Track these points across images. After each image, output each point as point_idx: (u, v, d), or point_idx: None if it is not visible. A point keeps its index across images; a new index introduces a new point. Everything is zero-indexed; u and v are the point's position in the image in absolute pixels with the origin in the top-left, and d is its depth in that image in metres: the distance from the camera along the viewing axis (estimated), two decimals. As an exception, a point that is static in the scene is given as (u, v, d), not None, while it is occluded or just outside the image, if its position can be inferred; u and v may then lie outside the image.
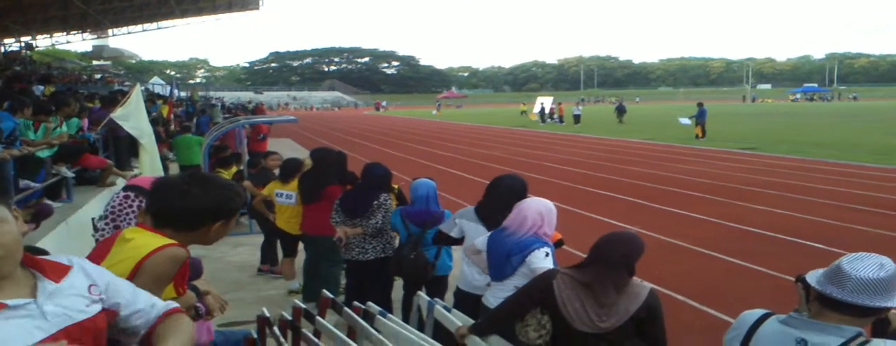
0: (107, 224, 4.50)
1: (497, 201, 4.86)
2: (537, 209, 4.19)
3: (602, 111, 61.18)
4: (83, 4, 28.23)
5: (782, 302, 2.63)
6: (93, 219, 7.85)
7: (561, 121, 45.39)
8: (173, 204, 2.48)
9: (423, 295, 4.80)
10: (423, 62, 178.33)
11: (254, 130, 16.69)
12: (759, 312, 2.63)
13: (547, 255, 4.08)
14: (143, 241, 2.40)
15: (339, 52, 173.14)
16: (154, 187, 2.65)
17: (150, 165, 9.26)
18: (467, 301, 4.85)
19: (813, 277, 2.45)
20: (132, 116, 9.42)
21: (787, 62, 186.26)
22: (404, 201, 6.80)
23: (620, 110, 45.57)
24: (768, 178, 16.24)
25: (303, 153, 15.26)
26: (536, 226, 4.13)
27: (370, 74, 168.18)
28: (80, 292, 1.86)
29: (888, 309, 2.35)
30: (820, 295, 2.37)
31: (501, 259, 4.20)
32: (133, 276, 2.29)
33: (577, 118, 42.25)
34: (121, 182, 9.81)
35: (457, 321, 4.06)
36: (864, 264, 2.32)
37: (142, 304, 2.04)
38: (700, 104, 30.48)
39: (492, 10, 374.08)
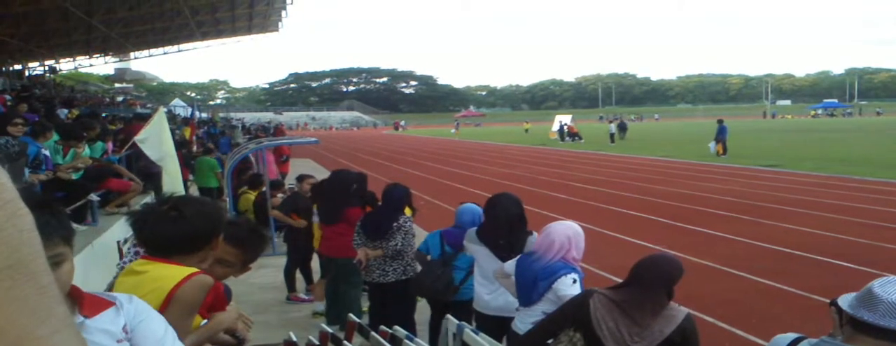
0: (130, 248, 4.56)
1: (494, 223, 5.00)
2: (565, 233, 4.16)
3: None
4: (106, 29, 28.64)
5: (814, 323, 2.62)
6: (117, 242, 7.96)
7: (573, 138, 45.21)
8: (165, 233, 2.47)
9: (452, 319, 4.79)
10: (441, 81, 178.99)
11: (276, 151, 16.79)
12: (791, 336, 2.61)
13: (574, 282, 4.04)
14: (163, 272, 2.40)
15: (357, 72, 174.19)
16: (139, 218, 2.60)
17: (171, 186, 9.37)
18: (480, 321, 5.11)
19: (845, 301, 2.43)
20: (153, 138, 9.54)
21: (807, 78, 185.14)
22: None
23: (621, 128, 45.16)
24: (795, 195, 16.08)
25: (324, 173, 15.33)
26: (564, 250, 4.10)
27: (389, 94, 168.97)
28: (109, 329, 1.81)
29: (922, 333, 2.32)
30: (852, 319, 2.35)
31: (528, 284, 4.18)
32: (164, 308, 2.28)
33: (612, 137, 41.87)
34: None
35: (486, 344, 4.04)
36: None
37: None
38: (720, 121, 30.20)
39: (509, 29, 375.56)
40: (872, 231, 11.55)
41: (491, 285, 5.06)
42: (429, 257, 5.99)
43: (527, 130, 64.48)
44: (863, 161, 24.68)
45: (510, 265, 4.42)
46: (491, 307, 5.04)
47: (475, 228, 5.26)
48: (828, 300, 2.58)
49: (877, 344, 2.30)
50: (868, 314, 2.29)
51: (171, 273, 2.39)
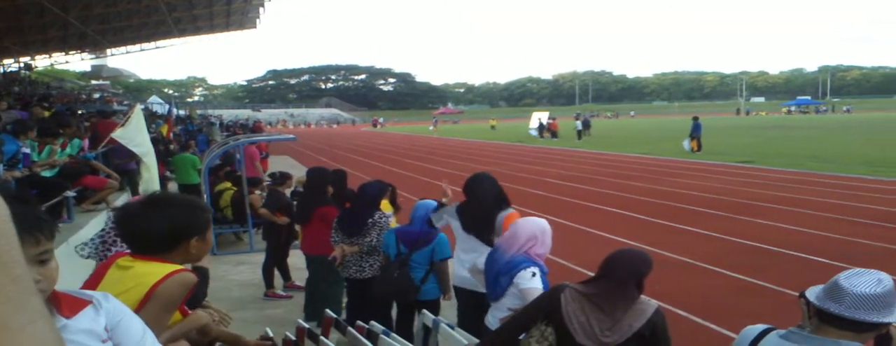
0: (97, 246, 4.55)
1: (473, 205, 5.20)
2: (531, 230, 4.21)
3: (598, 126, 61.38)
4: (82, 25, 28.38)
5: (786, 318, 2.68)
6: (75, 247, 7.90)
7: (555, 136, 45.50)
8: (140, 231, 2.50)
9: (427, 313, 4.83)
10: (419, 79, 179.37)
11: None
12: (760, 327, 2.67)
13: (534, 275, 4.07)
14: (147, 268, 2.43)
15: (335, 69, 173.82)
16: (119, 216, 2.66)
17: (149, 182, 9.33)
18: (459, 296, 5.34)
19: (813, 293, 2.48)
20: (133, 135, 9.49)
21: (780, 75, 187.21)
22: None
23: (585, 125, 45.45)
24: (768, 192, 16.28)
25: (301, 171, 15.29)
26: (527, 246, 4.14)
27: (367, 91, 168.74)
28: (93, 330, 1.79)
29: (887, 324, 2.38)
30: (819, 311, 2.41)
31: (492, 279, 4.24)
32: (145, 303, 2.32)
33: (579, 134, 42.31)
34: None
35: (462, 339, 4.08)
36: (862, 280, 2.35)
37: None
38: (695, 118, 30.49)
39: (486, 27, 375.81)
40: (844, 227, 11.73)
41: (462, 258, 5.22)
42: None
43: (493, 127, 66.50)
44: (834, 158, 25.04)
45: (482, 262, 4.47)
46: (464, 280, 5.19)
47: (456, 203, 5.40)
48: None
49: (841, 334, 2.36)
50: (834, 306, 2.35)
51: (154, 270, 2.42)
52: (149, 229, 2.49)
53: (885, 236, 10.80)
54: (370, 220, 6.09)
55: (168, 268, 2.43)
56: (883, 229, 11.39)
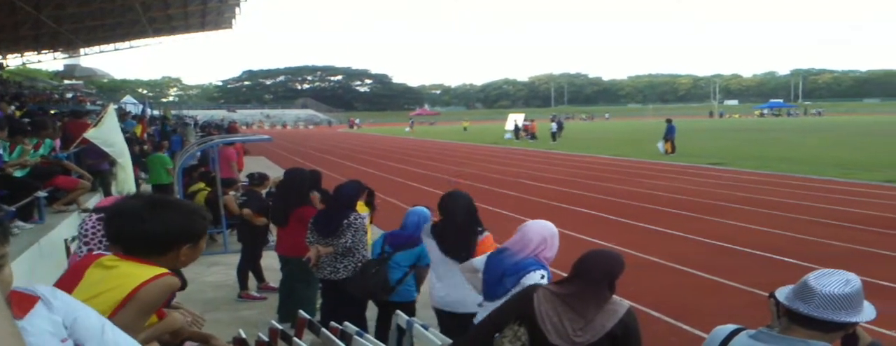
0: (79, 247, 4.49)
1: (444, 223, 5.12)
2: (541, 233, 4.24)
3: (572, 128, 61.82)
4: (55, 24, 27.99)
5: (757, 318, 2.71)
6: (65, 240, 7.82)
7: (533, 138, 45.67)
8: (135, 231, 2.45)
9: (401, 314, 4.83)
10: (395, 80, 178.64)
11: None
12: (730, 327, 2.68)
13: (542, 277, 4.08)
14: (131, 270, 2.38)
15: (312, 70, 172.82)
16: (112, 214, 2.59)
17: (125, 182, 9.25)
18: (440, 318, 5.24)
19: (782, 293, 2.50)
20: (106, 136, 9.40)
21: (753, 78, 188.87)
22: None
23: (559, 127, 45.56)
24: (739, 193, 16.46)
25: (278, 172, 15.22)
26: (538, 250, 4.16)
27: (343, 92, 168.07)
28: (50, 329, 1.72)
29: (854, 324, 2.41)
30: (788, 311, 2.43)
31: (495, 280, 4.23)
32: (124, 304, 2.28)
33: (553, 135, 42.49)
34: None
35: (436, 340, 4.08)
36: (831, 280, 2.37)
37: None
38: (668, 120, 30.75)
39: (463, 29, 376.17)
40: (815, 228, 11.89)
41: (440, 281, 5.16)
42: None
43: (465, 129, 67.25)
44: (804, 160, 25.38)
45: (479, 261, 4.46)
46: (444, 302, 5.13)
47: (431, 223, 5.34)
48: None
49: (810, 334, 2.38)
50: (803, 306, 2.37)
51: (138, 272, 2.37)
52: (144, 231, 2.44)
53: (856, 238, 10.96)
54: (345, 221, 6.07)
55: (153, 271, 2.38)
56: (853, 231, 11.56)
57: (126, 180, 9.41)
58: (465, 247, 4.99)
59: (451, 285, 5.03)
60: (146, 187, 14.93)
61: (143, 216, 2.46)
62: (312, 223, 6.30)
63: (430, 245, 5.22)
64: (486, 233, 5.12)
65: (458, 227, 5.07)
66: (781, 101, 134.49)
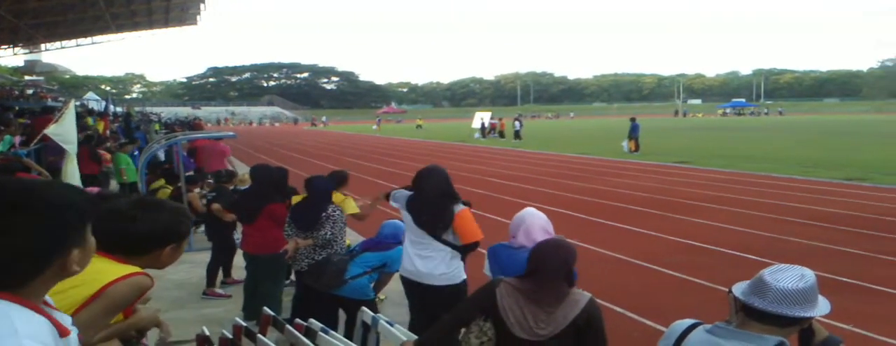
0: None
1: (421, 198, 5.31)
2: (540, 224, 4.49)
3: (538, 127, 62.20)
4: (14, 18, 27.44)
5: (719, 314, 2.76)
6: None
7: (501, 136, 45.86)
8: (122, 230, 2.45)
9: (367, 310, 4.84)
10: (362, 78, 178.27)
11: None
12: (688, 322, 2.72)
13: None
14: (104, 266, 2.36)
15: (278, 67, 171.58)
16: (105, 213, 2.52)
17: (71, 175, 9.13)
18: (408, 287, 5.48)
19: (739, 288, 2.53)
20: (67, 132, 9.27)
21: (717, 78, 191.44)
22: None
23: (520, 125, 45.68)
24: (704, 191, 16.67)
25: (243, 169, 15.11)
26: (541, 239, 4.23)
27: (310, 90, 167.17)
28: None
29: (809, 319, 2.44)
30: (744, 305, 2.47)
31: (499, 271, 4.36)
32: (91, 301, 2.26)
33: (517, 134, 42.69)
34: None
35: (401, 336, 4.09)
36: (785, 275, 2.41)
37: None
38: (633, 119, 31.01)
39: (430, 27, 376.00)
40: (778, 225, 12.08)
41: (412, 250, 5.35)
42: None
43: (419, 127, 68.03)
44: (766, 158, 25.79)
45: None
46: (415, 273, 5.33)
47: (410, 193, 5.46)
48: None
49: (765, 329, 2.42)
50: (758, 301, 2.40)
51: (110, 269, 2.36)
52: (129, 230, 2.44)
53: (817, 235, 11.15)
54: (324, 213, 6.11)
55: (125, 269, 2.37)
56: (815, 228, 11.76)
57: (73, 173, 9.26)
58: (440, 220, 5.20)
59: (422, 256, 5.26)
60: (113, 185, 14.71)
61: (136, 216, 2.46)
62: (291, 218, 6.34)
63: (406, 218, 5.39)
64: (463, 206, 5.29)
65: (431, 200, 5.24)
66: (744, 100, 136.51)
